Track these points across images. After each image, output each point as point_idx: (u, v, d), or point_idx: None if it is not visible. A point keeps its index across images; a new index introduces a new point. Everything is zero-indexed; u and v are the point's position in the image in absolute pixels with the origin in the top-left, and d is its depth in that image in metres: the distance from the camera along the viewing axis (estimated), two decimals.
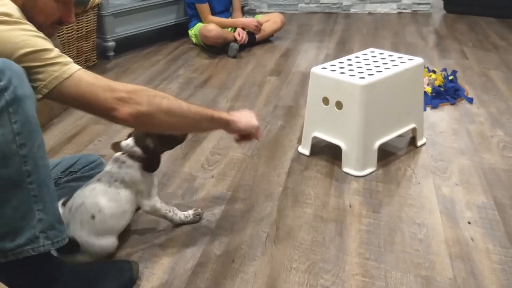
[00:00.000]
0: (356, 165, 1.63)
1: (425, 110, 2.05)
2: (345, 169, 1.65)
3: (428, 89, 2.16)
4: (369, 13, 4.03)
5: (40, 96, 0.97)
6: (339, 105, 1.62)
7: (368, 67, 1.67)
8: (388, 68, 1.64)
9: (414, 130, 1.78)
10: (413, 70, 1.67)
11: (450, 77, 2.30)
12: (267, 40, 3.24)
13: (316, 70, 1.67)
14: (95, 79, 1.01)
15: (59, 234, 1.01)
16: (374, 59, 1.74)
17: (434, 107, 2.09)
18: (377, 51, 1.83)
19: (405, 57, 1.73)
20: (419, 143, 1.79)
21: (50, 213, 0.99)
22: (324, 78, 1.64)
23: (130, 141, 1.27)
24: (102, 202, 1.20)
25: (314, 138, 1.75)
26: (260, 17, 3.24)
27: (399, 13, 3.98)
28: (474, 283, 1.13)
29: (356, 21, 3.78)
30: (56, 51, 0.98)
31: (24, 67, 0.94)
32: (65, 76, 0.97)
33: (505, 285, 1.12)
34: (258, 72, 2.67)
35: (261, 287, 1.15)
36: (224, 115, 1.25)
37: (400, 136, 1.76)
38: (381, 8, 4.02)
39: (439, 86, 2.18)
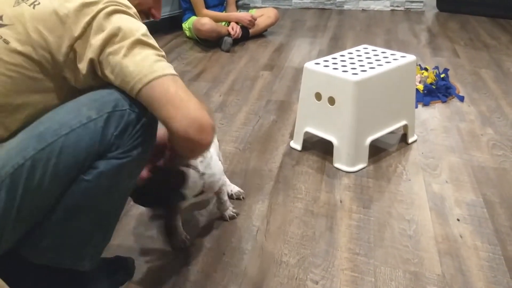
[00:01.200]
0: (347, 161, 1.63)
1: (416, 107, 2.07)
2: (336, 165, 1.66)
3: (420, 87, 2.17)
4: (363, 10, 4.03)
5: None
6: (331, 100, 1.62)
7: (361, 63, 1.67)
8: (381, 65, 1.64)
9: (405, 127, 1.79)
10: (405, 67, 1.68)
11: (442, 75, 2.31)
12: (260, 34, 3.24)
13: (309, 65, 1.67)
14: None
15: None
16: (367, 55, 1.75)
17: (426, 104, 2.10)
18: (370, 47, 1.83)
19: (398, 54, 1.74)
20: (410, 140, 1.80)
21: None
22: (317, 74, 1.64)
23: None
24: None
25: (306, 133, 1.75)
26: (254, 12, 3.23)
27: (392, 10, 3.99)
28: (462, 279, 1.15)
29: (349, 18, 3.79)
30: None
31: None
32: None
33: (492, 282, 1.13)
34: (251, 67, 2.66)
35: (251, 280, 1.15)
36: None
37: (392, 132, 1.77)
38: (375, 5, 4.03)
39: (431, 83, 2.19)
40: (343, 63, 1.67)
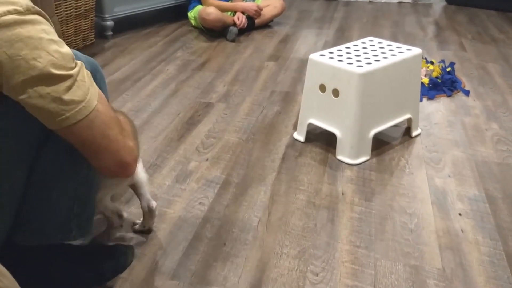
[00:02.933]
0: (350, 153, 1.63)
1: (421, 101, 2.06)
2: (339, 157, 1.65)
3: (425, 80, 2.16)
4: (370, 1, 4.00)
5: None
6: (335, 92, 1.61)
7: (366, 55, 1.66)
8: (386, 58, 1.63)
9: (409, 120, 1.78)
10: (411, 60, 1.67)
11: (448, 69, 2.29)
12: (266, 25, 3.22)
13: (314, 57, 1.67)
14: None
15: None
16: (373, 48, 1.74)
17: (431, 98, 2.09)
18: (376, 40, 1.82)
19: (404, 47, 1.72)
20: (414, 134, 1.79)
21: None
22: (322, 65, 1.63)
23: None
24: None
25: (310, 125, 1.75)
26: (260, 2, 3.21)
27: (399, 2, 3.96)
28: (462, 273, 1.15)
29: (356, 9, 3.76)
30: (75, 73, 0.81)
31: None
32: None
33: (493, 277, 1.13)
34: (256, 57, 2.65)
35: (251, 271, 1.16)
36: None
37: (395, 126, 1.76)
38: None
39: (436, 77, 2.18)
40: (348, 55, 1.66)
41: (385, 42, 1.78)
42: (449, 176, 1.54)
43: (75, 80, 0.80)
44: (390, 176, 1.55)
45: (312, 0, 4.08)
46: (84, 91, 0.81)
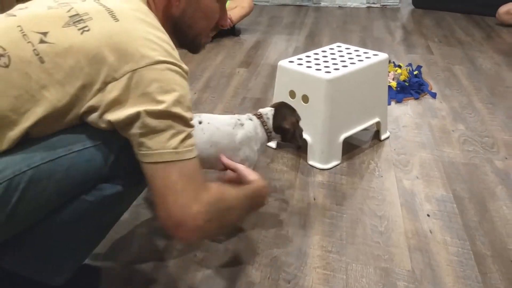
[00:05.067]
0: (321, 158, 1.64)
1: (389, 104, 2.09)
2: (311, 162, 1.67)
3: (393, 84, 2.20)
4: (339, 7, 4.05)
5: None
6: (305, 98, 1.62)
7: (334, 61, 1.68)
8: (353, 63, 1.65)
9: (378, 124, 1.80)
10: (377, 65, 1.70)
11: (415, 72, 2.34)
12: (237, 31, 3.22)
13: (283, 63, 1.68)
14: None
15: None
16: (341, 53, 1.76)
17: (399, 101, 2.13)
18: (344, 45, 1.84)
19: (370, 52, 1.75)
20: (382, 137, 1.82)
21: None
22: (291, 72, 1.65)
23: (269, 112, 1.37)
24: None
25: None
26: (228, 3, 3.21)
27: (368, 7, 4.02)
28: (431, 274, 1.16)
29: (326, 15, 3.80)
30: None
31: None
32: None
33: (461, 276, 1.16)
34: (227, 64, 2.66)
35: (223, 282, 1.15)
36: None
37: (365, 129, 1.78)
38: (351, 2, 4.05)
39: (404, 81, 2.22)
40: (317, 61, 1.68)
41: (353, 48, 1.81)
42: (417, 177, 1.57)
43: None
44: (360, 179, 1.57)
45: (282, 6, 4.12)
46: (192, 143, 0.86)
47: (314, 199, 1.47)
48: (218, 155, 1.22)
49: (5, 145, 0.83)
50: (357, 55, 1.73)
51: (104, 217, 0.94)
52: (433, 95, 2.18)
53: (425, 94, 2.19)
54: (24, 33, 0.85)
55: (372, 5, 4.02)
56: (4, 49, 0.83)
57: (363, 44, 2.97)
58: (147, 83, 0.82)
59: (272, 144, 1.78)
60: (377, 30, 3.33)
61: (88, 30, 0.85)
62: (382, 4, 4.00)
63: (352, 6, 4.04)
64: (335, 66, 1.63)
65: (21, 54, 0.83)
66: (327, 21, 3.58)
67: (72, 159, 0.85)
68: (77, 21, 0.86)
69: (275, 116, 1.37)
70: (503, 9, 3.36)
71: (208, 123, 1.28)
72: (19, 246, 0.89)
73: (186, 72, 0.90)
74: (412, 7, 3.95)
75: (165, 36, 0.90)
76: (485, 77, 2.42)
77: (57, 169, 0.84)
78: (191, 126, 0.87)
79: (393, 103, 2.12)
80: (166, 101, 0.83)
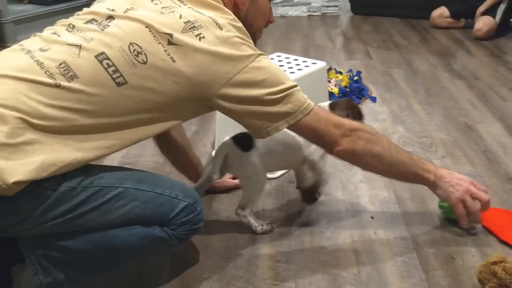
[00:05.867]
0: None
1: None
2: None
3: (336, 90, 2.25)
4: (281, 16, 4.12)
5: (286, 124, 1.10)
6: None
7: None
8: (293, 72, 1.68)
9: None
10: (317, 73, 1.73)
11: (355, 78, 2.41)
12: None
13: None
14: (328, 114, 1.17)
15: None
16: (281, 63, 1.78)
17: None
18: (284, 55, 1.87)
19: (309, 61, 1.79)
20: None
21: None
22: None
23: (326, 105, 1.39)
24: None
25: None
26: None
27: (309, 15, 4.12)
28: (376, 276, 1.19)
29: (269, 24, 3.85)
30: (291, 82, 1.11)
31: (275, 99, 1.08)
32: (309, 109, 1.11)
33: (405, 276, 1.19)
34: None
35: None
36: (431, 176, 1.26)
37: None
38: (293, 11, 4.13)
39: (345, 86, 2.28)
40: None
41: (292, 57, 1.84)
42: (361, 181, 1.60)
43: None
44: None
45: None
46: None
47: (263, 209, 1.48)
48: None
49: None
50: (297, 64, 1.76)
51: (137, 252, 1.07)
52: (373, 99, 2.25)
53: (366, 99, 2.26)
54: (153, 34, 1.01)
55: (313, 14, 4.12)
56: (141, 48, 1.00)
57: (306, 52, 3.03)
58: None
59: None
60: (318, 37, 3.41)
61: (204, 37, 1.03)
62: (322, 12, 4.11)
63: (293, 15, 4.12)
64: None
65: (155, 53, 1.00)
66: (270, 31, 3.63)
67: (150, 197, 1.04)
68: (191, 28, 1.03)
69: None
70: (436, 12, 3.53)
71: None
72: (63, 244, 0.99)
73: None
74: (351, 14, 4.08)
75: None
76: (422, 79, 2.53)
77: (137, 198, 1.02)
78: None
79: None
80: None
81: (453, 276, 1.18)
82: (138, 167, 1.70)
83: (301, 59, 1.81)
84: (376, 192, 1.54)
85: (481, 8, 3.32)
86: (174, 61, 1.01)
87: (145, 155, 1.78)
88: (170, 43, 1.01)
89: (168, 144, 1.45)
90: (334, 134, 1.14)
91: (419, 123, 2.01)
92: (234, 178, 1.58)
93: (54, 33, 1.04)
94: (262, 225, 1.36)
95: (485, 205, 1.27)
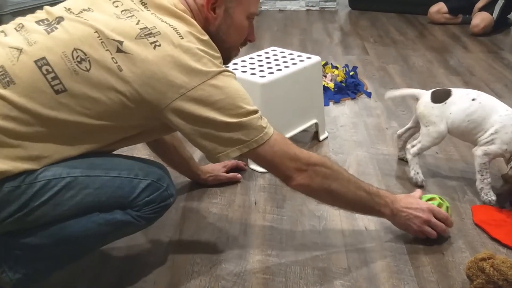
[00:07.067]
0: None
1: (328, 105, 2.14)
2: (252, 166, 1.67)
3: (331, 85, 2.25)
4: (280, 10, 4.11)
5: (238, 152, 1.05)
6: None
7: (269, 65, 1.70)
8: (287, 67, 1.68)
9: (316, 125, 1.84)
10: (311, 68, 1.73)
11: (351, 73, 2.41)
12: None
13: None
14: (286, 145, 1.10)
15: None
16: (275, 57, 1.78)
17: (337, 102, 2.18)
18: (279, 49, 1.87)
19: (304, 55, 1.78)
20: (321, 138, 1.85)
21: None
22: None
23: None
24: None
25: None
26: None
27: (307, 10, 4.10)
28: (366, 271, 1.20)
29: (267, 18, 3.84)
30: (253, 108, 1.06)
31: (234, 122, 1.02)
32: (265, 139, 1.05)
33: (395, 271, 1.19)
34: None
35: None
36: (387, 211, 1.23)
37: (305, 131, 1.81)
38: (291, 6, 4.12)
39: (341, 81, 2.28)
40: (252, 66, 1.69)
41: (287, 52, 1.83)
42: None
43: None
44: None
45: None
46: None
47: (255, 203, 1.48)
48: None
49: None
50: (291, 59, 1.75)
51: (99, 239, 1.05)
52: (368, 95, 2.25)
53: (361, 94, 2.26)
54: (102, 40, 0.95)
55: (311, 8, 4.11)
56: (85, 54, 0.94)
57: (303, 47, 3.03)
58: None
59: None
60: (316, 32, 3.40)
61: (159, 46, 0.96)
62: (320, 7, 4.10)
63: (292, 9, 4.11)
64: (270, 70, 1.64)
65: (101, 60, 0.94)
66: (268, 25, 3.62)
67: (105, 182, 0.99)
68: (147, 35, 0.97)
69: None
70: (434, 8, 3.52)
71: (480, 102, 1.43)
72: (24, 241, 0.97)
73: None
74: (349, 9, 4.07)
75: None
76: (418, 74, 2.53)
77: (89, 185, 0.97)
78: None
79: (331, 103, 2.17)
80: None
81: (442, 272, 1.18)
82: None
83: (296, 53, 1.81)
84: None
85: (479, 4, 3.32)
86: (121, 70, 0.94)
87: (139, 148, 1.78)
88: (119, 50, 0.95)
89: (157, 144, 1.44)
90: (288, 168, 1.09)
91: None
92: (227, 172, 1.59)
93: (2, 32, 0.99)
94: (418, 173, 1.52)
95: (444, 231, 1.26)
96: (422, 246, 1.27)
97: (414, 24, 3.57)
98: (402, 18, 3.72)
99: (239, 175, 1.59)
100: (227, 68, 1.05)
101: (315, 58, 1.75)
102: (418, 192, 1.32)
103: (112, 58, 0.94)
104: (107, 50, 0.95)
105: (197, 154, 1.76)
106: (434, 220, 1.24)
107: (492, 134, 1.38)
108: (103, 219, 1.00)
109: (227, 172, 1.58)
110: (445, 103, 1.46)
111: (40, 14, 1.03)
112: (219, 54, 1.06)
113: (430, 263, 1.22)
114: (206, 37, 1.04)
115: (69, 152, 0.97)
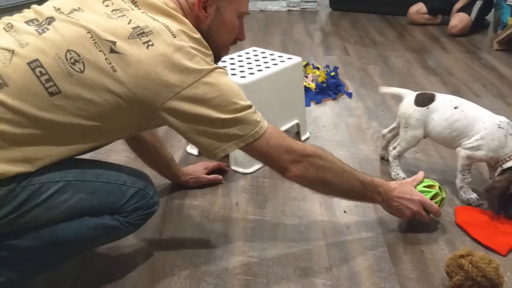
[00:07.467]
0: (243, 163, 1.65)
1: (309, 105, 2.14)
2: (233, 167, 1.67)
3: (312, 86, 2.25)
4: (261, 10, 4.11)
5: (235, 147, 1.06)
6: None
7: (250, 66, 1.69)
8: (268, 67, 1.67)
9: (297, 125, 1.84)
10: (292, 68, 1.73)
11: (332, 73, 2.42)
12: None
13: None
14: (281, 138, 1.11)
15: None
16: (256, 58, 1.78)
17: (318, 102, 2.19)
18: (259, 50, 1.87)
19: (285, 56, 1.78)
20: (303, 138, 1.86)
21: None
22: None
23: None
24: None
25: None
26: None
27: (288, 10, 4.11)
28: (348, 270, 1.20)
29: (248, 18, 3.82)
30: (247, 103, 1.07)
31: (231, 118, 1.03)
32: (261, 133, 1.07)
33: (376, 269, 1.20)
34: None
35: None
36: (379, 199, 1.26)
37: (286, 131, 1.81)
38: (272, 6, 4.12)
39: (322, 82, 2.29)
40: (233, 66, 1.69)
41: (268, 52, 1.83)
42: None
43: None
44: (282, 181, 1.59)
45: None
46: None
47: (237, 204, 1.48)
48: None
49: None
50: (272, 59, 1.75)
51: (88, 243, 1.07)
52: (349, 95, 2.26)
53: (342, 94, 2.27)
54: (95, 41, 0.95)
55: (292, 9, 4.12)
56: (79, 55, 0.94)
57: (284, 47, 3.03)
58: None
59: (194, 151, 1.76)
60: (297, 33, 3.41)
61: (152, 45, 0.96)
62: (301, 7, 4.11)
63: (273, 9, 4.11)
64: (251, 71, 1.64)
65: (94, 61, 0.94)
66: (249, 25, 3.61)
67: (97, 187, 1.02)
68: (140, 34, 0.97)
69: None
70: (413, 9, 3.57)
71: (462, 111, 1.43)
72: (12, 243, 0.97)
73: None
74: (330, 9, 4.09)
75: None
76: (397, 75, 2.56)
77: (82, 189, 1.00)
78: None
79: (312, 104, 2.17)
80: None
81: (422, 269, 1.20)
82: None
83: (276, 54, 1.81)
84: None
85: (458, 5, 3.37)
86: (115, 71, 0.94)
87: (117, 150, 1.76)
88: (112, 51, 0.95)
89: (138, 144, 1.42)
90: (284, 160, 1.10)
91: (393, 119, 2.01)
92: (209, 174, 1.58)
93: None
94: (398, 174, 1.55)
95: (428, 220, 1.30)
96: (403, 244, 1.28)
97: (394, 25, 3.61)
98: (382, 19, 3.76)
99: (220, 177, 1.58)
100: (219, 65, 1.05)
101: (296, 59, 1.76)
102: (420, 174, 1.34)
103: (106, 59, 0.94)
104: (100, 51, 0.94)
105: (177, 156, 1.75)
106: (423, 212, 1.27)
107: (477, 140, 1.37)
108: (93, 223, 1.02)
109: (208, 173, 1.57)
110: (428, 108, 1.46)
111: (28, 13, 1.02)
112: (210, 52, 1.06)
113: (410, 260, 1.23)
114: (198, 35, 1.05)
115: (63, 153, 0.98)
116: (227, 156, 1.67)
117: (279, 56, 1.78)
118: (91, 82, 0.94)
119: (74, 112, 0.94)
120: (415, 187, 1.30)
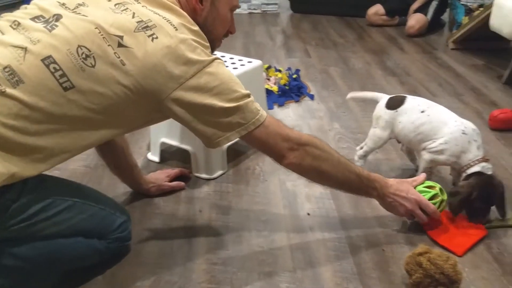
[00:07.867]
0: (206, 169, 1.63)
1: (272, 108, 2.15)
2: (196, 174, 1.65)
3: (275, 88, 2.26)
4: None
5: (237, 135, 1.10)
6: None
7: None
8: None
9: None
10: (252, 72, 1.73)
11: (294, 76, 2.43)
12: None
13: None
14: (278, 127, 1.14)
15: None
16: None
17: (281, 105, 2.20)
18: (219, 53, 1.85)
19: (245, 59, 1.78)
20: None
21: None
22: None
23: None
24: None
25: (163, 143, 1.72)
26: None
27: (250, 13, 4.12)
28: (311, 272, 1.21)
29: None
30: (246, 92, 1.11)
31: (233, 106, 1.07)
32: (261, 120, 1.10)
33: (338, 270, 1.21)
34: None
35: None
36: (374, 193, 1.27)
37: None
38: None
39: (284, 84, 2.30)
40: None
41: (228, 55, 1.83)
42: (298, 178, 1.60)
43: None
44: (246, 186, 1.59)
45: None
46: None
47: (200, 211, 1.46)
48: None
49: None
50: (232, 63, 1.75)
51: (79, 261, 1.14)
52: (311, 97, 2.28)
53: (305, 97, 2.29)
54: (103, 36, 0.98)
55: (253, 11, 4.13)
56: (90, 51, 0.97)
57: (246, 50, 3.03)
58: None
59: (155, 158, 1.73)
60: (259, 35, 3.42)
61: (157, 38, 1.01)
62: (262, 10, 4.12)
63: (235, 12, 4.10)
64: None
65: (104, 56, 0.98)
66: None
67: (96, 211, 1.13)
68: (144, 28, 1.01)
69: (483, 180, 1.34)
70: (372, 10, 3.64)
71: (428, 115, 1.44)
72: (9, 251, 1.01)
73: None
74: (290, 12, 4.12)
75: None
76: (357, 76, 2.60)
77: (84, 211, 1.10)
78: None
79: (275, 107, 2.18)
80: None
81: (383, 268, 1.21)
82: (68, 173, 1.63)
83: (236, 57, 1.80)
84: (313, 189, 1.56)
85: (414, 6, 3.46)
86: (124, 64, 0.99)
87: (75, 159, 1.70)
88: (120, 45, 0.99)
89: (106, 145, 1.39)
90: (281, 148, 1.14)
91: (354, 120, 2.06)
92: (171, 181, 1.55)
93: None
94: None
95: (424, 221, 1.30)
96: (364, 244, 1.30)
97: (353, 26, 3.67)
98: (342, 21, 3.82)
99: (182, 184, 1.56)
100: (218, 56, 1.10)
101: (256, 62, 1.76)
102: (422, 176, 1.35)
103: (115, 53, 0.99)
104: (109, 45, 0.99)
105: (138, 163, 1.71)
106: (418, 211, 1.27)
107: (441, 144, 1.40)
108: (86, 243, 1.11)
109: (170, 181, 1.55)
110: (396, 111, 1.48)
111: (32, 10, 1.04)
112: (208, 44, 1.11)
113: (371, 259, 1.24)
114: (196, 27, 1.09)
115: (76, 149, 1.03)
116: (189, 162, 1.65)
117: (239, 60, 1.78)
118: (102, 76, 0.98)
119: (87, 106, 0.99)
120: (415, 187, 1.31)
